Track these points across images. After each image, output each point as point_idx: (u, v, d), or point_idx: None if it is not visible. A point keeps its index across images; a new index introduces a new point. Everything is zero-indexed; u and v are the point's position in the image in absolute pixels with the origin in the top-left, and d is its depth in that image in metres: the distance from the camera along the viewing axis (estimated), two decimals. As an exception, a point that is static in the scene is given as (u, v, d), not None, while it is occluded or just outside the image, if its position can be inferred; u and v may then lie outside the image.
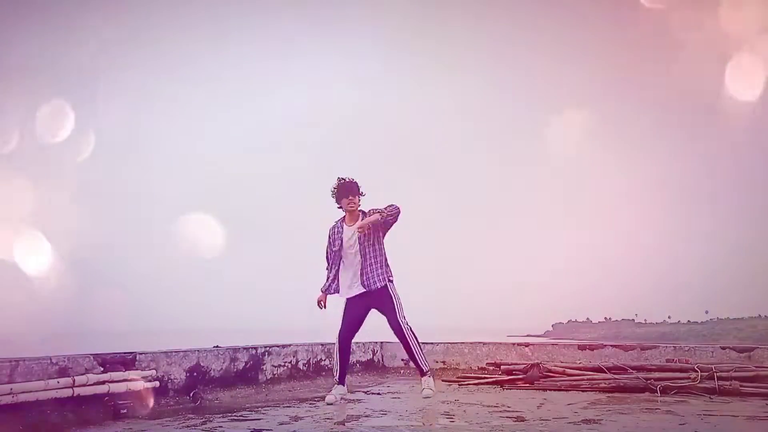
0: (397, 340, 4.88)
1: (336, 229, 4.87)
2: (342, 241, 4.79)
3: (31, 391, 3.71)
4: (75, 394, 3.93)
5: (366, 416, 4.13)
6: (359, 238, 4.72)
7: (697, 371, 5.16)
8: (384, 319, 4.82)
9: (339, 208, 4.88)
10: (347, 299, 4.85)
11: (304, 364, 6.12)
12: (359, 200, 4.81)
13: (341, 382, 4.83)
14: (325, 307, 4.85)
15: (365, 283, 4.73)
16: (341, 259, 4.82)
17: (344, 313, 4.87)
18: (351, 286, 4.79)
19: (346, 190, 4.77)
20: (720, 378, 5.05)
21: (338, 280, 4.84)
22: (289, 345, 6.03)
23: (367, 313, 4.87)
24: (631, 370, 5.42)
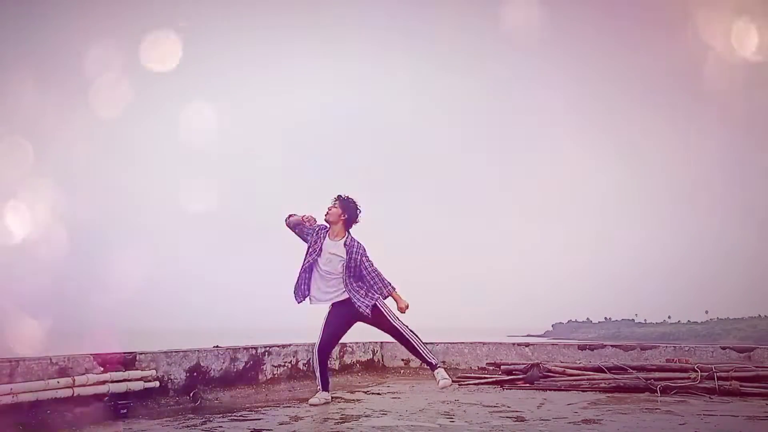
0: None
1: (318, 232, 4.76)
2: (321, 249, 4.69)
3: (31, 391, 3.71)
4: (75, 394, 3.93)
5: (366, 416, 4.13)
6: (346, 263, 4.65)
7: (697, 371, 5.16)
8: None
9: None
10: (332, 306, 4.73)
11: (304, 364, 6.11)
12: (338, 212, 4.73)
13: (325, 389, 4.77)
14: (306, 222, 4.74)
15: (355, 305, 4.63)
16: (314, 265, 4.70)
17: (327, 321, 4.76)
18: (328, 293, 4.71)
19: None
20: (720, 378, 5.05)
21: (309, 285, 4.72)
22: (289, 345, 6.03)
23: (351, 325, 4.79)
24: (631, 370, 5.42)
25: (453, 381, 5.91)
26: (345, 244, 4.71)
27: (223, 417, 4.13)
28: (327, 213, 4.76)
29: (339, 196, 4.78)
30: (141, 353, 4.55)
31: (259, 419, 4.05)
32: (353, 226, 4.82)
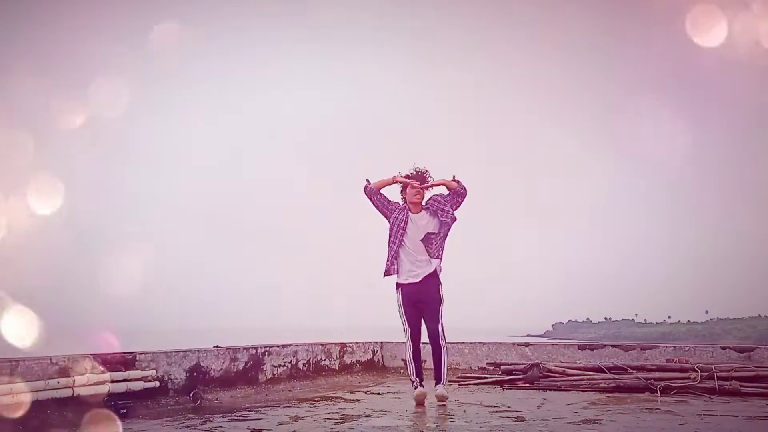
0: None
1: (404, 212, 4.73)
2: (406, 225, 4.67)
3: (31, 391, 3.71)
4: (75, 394, 3.93)
5: (366, 416, 4.13)
6: (434, 231, 4.68)
7: (697, 371, 5.16)
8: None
9: (402, 198, 4.81)
10: (404, 297, 4.66)
11: (304, 364, 6.12)
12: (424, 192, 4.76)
13: (422, 383, 4.64)
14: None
15: (423, 269, 4.64)
16: (401, 243, 4.67)
17: (407, 314, 4.65)
18: (408, 273, 4.67)
19: (413, 179, 4.74)
20: (720, 378, 5.05)
21: (398, 263, 4.70)
22: (289, 345, 6.03)
23: (422, 313, 4.69)
24: (631, 370, 5.42)
25: (452, 381, 5.93)
26: (427, 209, 4.75)
27: (223, 417, 4.13)
28: (419, 195, 4.72)
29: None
30: (141, 353, 4.55)
31: (259, 419, 4.05)
32: (413, 194, 4.76)
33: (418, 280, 4.67)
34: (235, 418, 4.11)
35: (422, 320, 4.69)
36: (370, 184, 4.82)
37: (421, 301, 4.67)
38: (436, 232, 4.71)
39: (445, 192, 4.81)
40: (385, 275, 4.76)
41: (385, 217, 4.78)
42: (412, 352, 4.67)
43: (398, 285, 4.71)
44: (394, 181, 4.81)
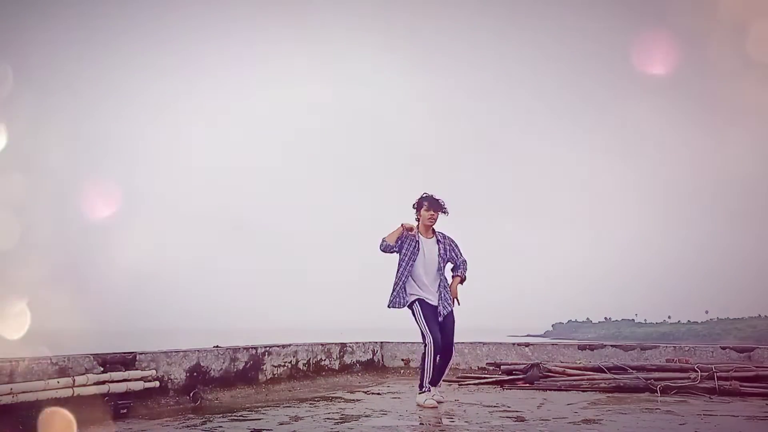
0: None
1: (414, 239, 4.79)
2: (417, 249, 4.76)
3: (31, 391, 3.71)
4: (75, 394, 3.93)
5: (366, 416, 4.13)
6: (439, 258, 4.80)
7: (697, 371, 5.17)
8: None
9: (416, 219, 4.86)
10: (424, 309, 4.71)
11: (304, 364, 6.12)
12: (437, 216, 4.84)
13: (436, 384, 4.75)
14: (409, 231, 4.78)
15: (443, 304, 4.76)
16: (413, 265, 4.75)
17: (428, 325, 4.67)
18: (426, 293, 4.75)
19: (430, 204, 4.80)
20: (720, 378, 5.06)
21: (405, 291, 4.75)
22: (289, 345, 6.03)
23: (440, 325, 4.77)
24: (631, 370, 5.42)
25: (452, 381, 5.92)
26: (438, 241, 4.86)
27: (223, 417, 4.13)
28: (432, 219, 4.80)
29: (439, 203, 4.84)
30: (141, 353, 4.55)
31: (259, 419, 4.05)
32: (428, 217, 4.84)
33: (435, 305, 4.75)
34: (235, 418, 4.11)
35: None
36: (384, 241, 4.78)
37: (442, 315, 4.75)
38: (444, 263, 4.84)
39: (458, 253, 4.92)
40: (389, 306, 4.77)
41: (398, 252, 4.80)
42: (433, 360, 4.67)
43: (416, 299, 4.75)
44: (403, 230, 4.78)
